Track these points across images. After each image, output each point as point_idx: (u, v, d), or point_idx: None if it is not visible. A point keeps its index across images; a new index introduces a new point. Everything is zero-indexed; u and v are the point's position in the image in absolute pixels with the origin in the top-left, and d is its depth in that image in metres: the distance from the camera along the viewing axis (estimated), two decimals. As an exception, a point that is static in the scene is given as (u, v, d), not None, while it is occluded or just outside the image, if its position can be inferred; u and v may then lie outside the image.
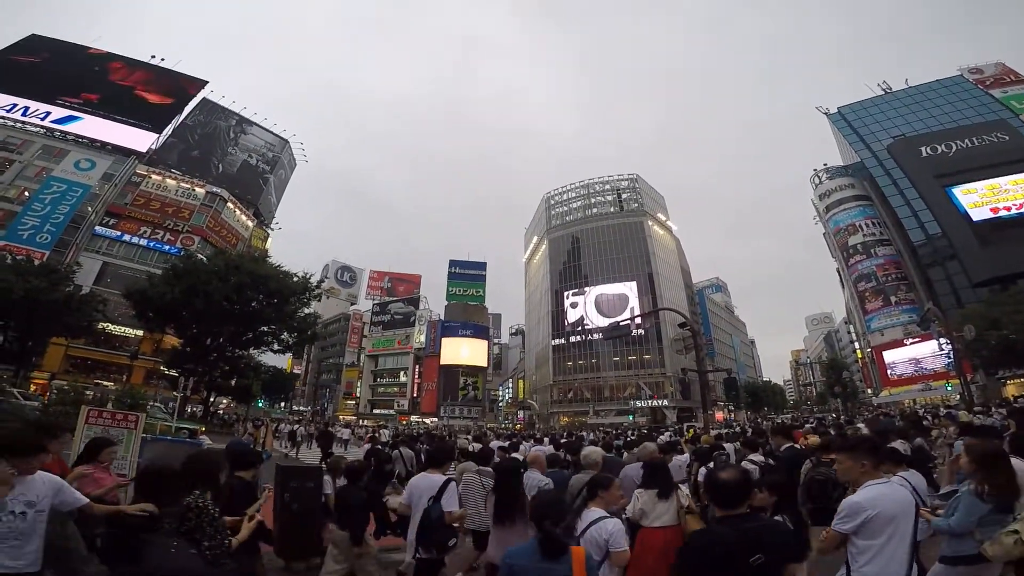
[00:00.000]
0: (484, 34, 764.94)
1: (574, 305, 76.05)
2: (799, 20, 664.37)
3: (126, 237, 46.50)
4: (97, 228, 45.36)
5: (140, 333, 40.40)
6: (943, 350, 38.16)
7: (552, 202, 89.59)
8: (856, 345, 69.72)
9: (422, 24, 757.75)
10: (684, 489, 4.59)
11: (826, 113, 68.87)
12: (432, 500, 4.08)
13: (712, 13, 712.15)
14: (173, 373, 35.13)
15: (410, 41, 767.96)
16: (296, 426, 32.67)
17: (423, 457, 11.09)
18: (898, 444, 6.67)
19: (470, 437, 19.93)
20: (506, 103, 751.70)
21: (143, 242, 47.10)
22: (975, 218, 46.65)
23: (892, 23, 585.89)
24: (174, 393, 31.38)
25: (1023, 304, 32.06)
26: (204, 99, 61.97)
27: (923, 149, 52.86)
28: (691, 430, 24.06)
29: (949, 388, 41.62)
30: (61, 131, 49.13)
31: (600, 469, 4.96)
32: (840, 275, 64.43)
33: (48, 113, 49.09)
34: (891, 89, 66.95)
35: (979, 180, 47.64)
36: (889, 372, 51.34)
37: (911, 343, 49.17)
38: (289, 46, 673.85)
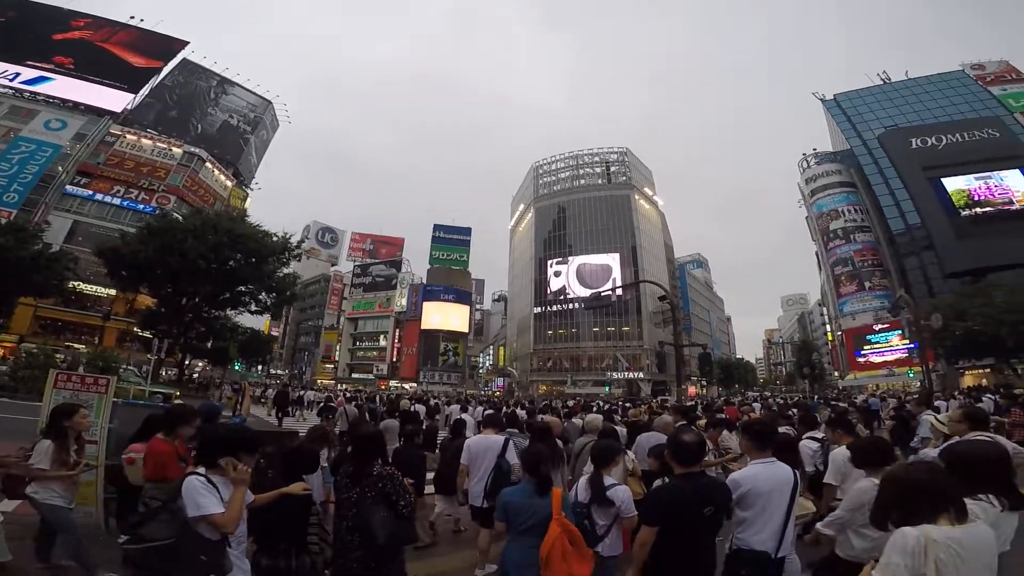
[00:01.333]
0: (475, 7, 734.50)
1: (557, 274, 76.46)
2: (801, 13, 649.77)
3: (98, 196, 45.23)
4: (68, 187, 43.97)
5: (112, 292, 39.56)
6: (907, 339, 39.79)
7: (540, 171, 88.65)
8: (828, 328, 71.57)
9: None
10: (630, 454, 5.19)
11: (822, 99, 68.16)
12: (498, 456, 4.90)
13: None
14: (147, 335, 34.58)
15: (399, 11, 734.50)
16: (305, 391, 32.28)
17: (367, 414, 13.16)
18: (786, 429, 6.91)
19: (412, 399, 20.97)
20: (497, 76, 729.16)
21: (116, 201, 45.85)
22: (956, 211, 47.15)
23: (895, 22, 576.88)
24: (148, 356, 31.05)
25: (991, 297, 32.70)
26: (184, 60, 59.67)
27: (913, 140, 52.80)
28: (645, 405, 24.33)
29: (911, 375, 43.18)
30: (31, 92, 47.07)
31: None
32: (818, 258, 65.35)
33: (17, 74, 47.03)
34: (890, 79, 66.26)
35: (965, 174, 47.93)
36: (858, 356, 52.88)
37: (880, 328, 50.60)
38: (275, 8, 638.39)
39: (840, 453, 3.94)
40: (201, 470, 2.64)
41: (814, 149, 66.21)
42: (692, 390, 63.32)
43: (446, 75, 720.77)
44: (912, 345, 42.07)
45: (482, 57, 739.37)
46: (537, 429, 5.54)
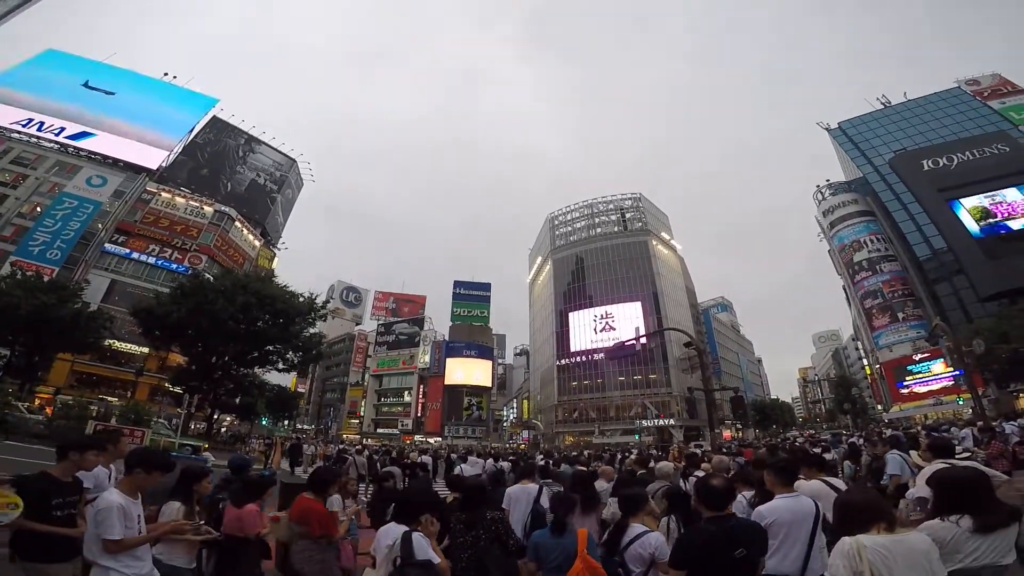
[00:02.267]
0: (483, 63, 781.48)
1: (579, 325, 75.94)
2: (796, 39, 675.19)
3: (135, 255, 46.76)
4: (106, 245, 45.56)
5: (146, 350, 40.63)
6: (950, 366, 38.09)
7: (556, 222, 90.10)
8: (864, 362, 68.93)
9: (423, 54, 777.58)
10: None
11: (827, 129, 69.19)
12: (534, 502, 5.37)
13: (708, 36, 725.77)
14: (177, 390, 35.13)
15: (412, 71, 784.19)
16: (342, 445, 31.93)
17: (378, 464, 14.84)
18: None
19: (417, 451, 22.75)
20: (508, 129, 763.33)
21: (151, 260, 47.29)
22: (980, 232, 46.24)
23: (888, 37, 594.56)
24: (178, 410, 31.48)
25: (1034, 316, 31.78)
26: (214, 117, 62.95)
27: (925, 163, 52.63)
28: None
29: (960, 402, 41.01)
30: (75, 147, 49.56)
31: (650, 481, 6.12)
32: (846, 292, 64.01)
33: (63, 128, 49.43)
34: (890, 103, 67.31)
35: (982, 192, 47.34)
36: (900, 388, 50.52)
37: (920, 358, 48.59)
38: (291, 72, 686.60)
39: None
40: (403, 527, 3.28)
41: (827, 180, 66.47)
42: (727, 434, 60.79)
43: (460, 131, 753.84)
44: (957, 372, 40.22)
45: (492, 113, 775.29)
46: (578, 478, 6.06)
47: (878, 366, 55.97)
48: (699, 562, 2.72)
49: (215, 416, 37.87)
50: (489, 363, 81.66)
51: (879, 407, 60.24)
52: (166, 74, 61.67)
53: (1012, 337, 31.50)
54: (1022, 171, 47.08)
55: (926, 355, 47.53)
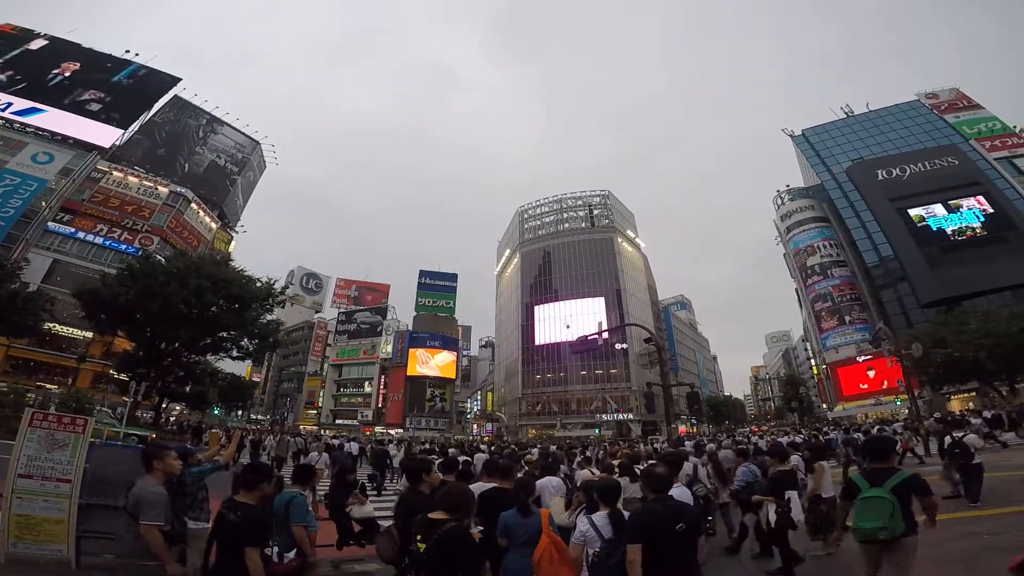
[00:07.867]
0: (452, 63, 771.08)
1: (543, 319, 76.53)
2: (770, 43, 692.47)
3: (80, 234, 44.25)
4: (50, 224, 43.04)
5: (89, 335, 38.57)
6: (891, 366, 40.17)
7: (525, 216, 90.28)
8: (812, 362, 72.03)
9: (390, 55, 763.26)
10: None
11: (791, 135, 71.25)
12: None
13: (677, 39, 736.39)
14: (123, 377, 33.57)
15: (379, 68, 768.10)
16: (343, 440, 28.14)
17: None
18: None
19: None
20: (476, 127, 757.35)
21: (99, 240, 44.87)
22: (926, 242, 48.43)
23: (858, 48, 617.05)
24: (124, 398, 30.11)
25: (967, 324, 33.70)
26: (175, 96, 60.18)
27: (879, 172, 54.85)
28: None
29: (898, 403, 43.36)
30: (20, 123, 46.64)
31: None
32: (799, 295, 66.54)
33: (9, 104, 46.61)
34: (852, 113, 69.73)
35: (930, 203, 49.74)
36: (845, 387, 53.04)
37: (863, 360, 51.07)
38: (257, 63, 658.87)
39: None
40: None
41: (787, 185, 68.65)
42: (682, 429, 62.50)
43: (428, 127, 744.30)
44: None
45: (463, 111, 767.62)
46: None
47: (825, 366, 58.61)
48: (652, 536, 3.18)
49: (164, 405, 36.42)
50: (454, 355, 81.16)
51: (824, 405, 63.18)
52: (127, 51, 58.46)
53: (948, 343, 33.28)
54: (967, 184, 49.80)
55: (868, 357, 50.00)
